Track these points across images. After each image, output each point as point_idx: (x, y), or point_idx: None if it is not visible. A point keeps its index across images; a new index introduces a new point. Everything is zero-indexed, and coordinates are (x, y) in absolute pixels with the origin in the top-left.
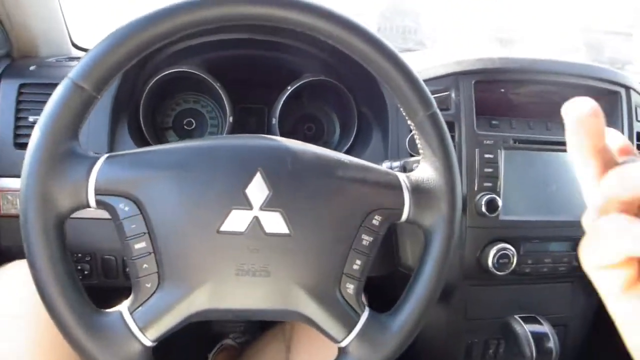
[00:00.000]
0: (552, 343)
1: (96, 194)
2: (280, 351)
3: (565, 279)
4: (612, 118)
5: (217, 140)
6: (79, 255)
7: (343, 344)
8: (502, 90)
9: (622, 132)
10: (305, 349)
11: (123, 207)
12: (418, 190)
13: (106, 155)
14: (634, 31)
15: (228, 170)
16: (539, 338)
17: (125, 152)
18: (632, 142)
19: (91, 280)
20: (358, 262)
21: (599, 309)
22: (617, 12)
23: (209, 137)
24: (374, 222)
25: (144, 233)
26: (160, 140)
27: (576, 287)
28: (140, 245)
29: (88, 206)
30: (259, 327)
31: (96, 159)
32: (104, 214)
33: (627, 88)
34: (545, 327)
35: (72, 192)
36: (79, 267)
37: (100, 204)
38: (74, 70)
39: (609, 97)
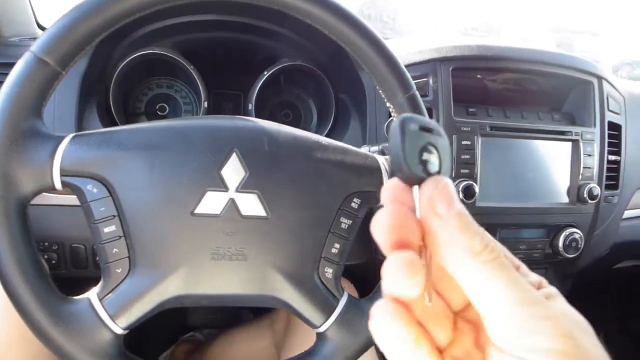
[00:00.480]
0: None
1: (62, 175)
2: (263, 339)
3: (539, 266)
4: (585, 107)
5: (191, 120)
6: (46, 244)
7: (321, 329)
8: (480, 76)
9: (595, 121)
10: (299, 340)
11: (91, 188)
12: None
13: (73, 134)
14: (599, 30)
15: (202, 150)
16: None
17: (94, 131)
18: (604, 131)
19: (59, 270)
20: (337, 245)
21: (570, 295)
22: (584, 12)
23: (182, 117)
24: (353, 205)
25: (114, 216)
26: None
27: (549, 274)
28: (109, 228)
29: (53, 188)
30: (239, 315)
31: (62, 138)
32: (71, 200)
33: (600, 78)
34: None
35: (35, 173)
36: (46, 257)
37: (66, 186)
38: (37, 44)
39: (582, 87)
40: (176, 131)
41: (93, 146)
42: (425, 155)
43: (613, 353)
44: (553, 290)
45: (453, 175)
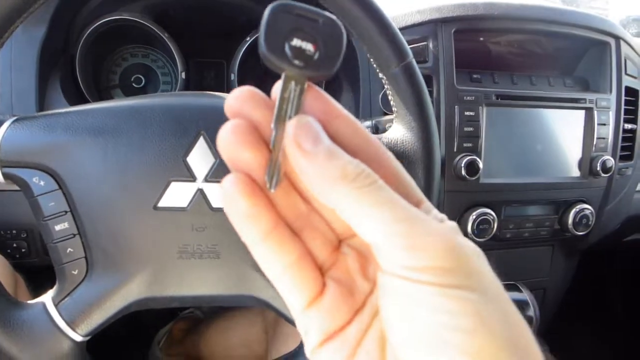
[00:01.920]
0: (532, 311)
1: (2, 166)
2: (255, 325)
3: (546, 243)
4: (600, 71)
5: (150, 98)
6: (14, 232)
7: None
8: (484, 38)
9: (611, 86)
10: (288, 329)
11: (37, 181)
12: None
13: (13, 118)
14: None
15: (164, 134)
16: (519, 307)
17: (38, 114)
18: (620, 98)
19: (30, 259)
20: None
21: (577, 271)
22: None
23: (141, 96)
24: None
25: (66, 212)
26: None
27: (556, 251)
28: (61, 226)
29: None
30: None
31: (0, 123)
32: None
33: (617, 38)
34: (525, 295)
35: None
36: (15, 245)
37: (8, 178)
38: None
39: (598, 48)
40: (133, 112)
41: (37, 131)
42: (297, 42)
43: (619, 324)
44: (452, 223)
45: (455, 150)
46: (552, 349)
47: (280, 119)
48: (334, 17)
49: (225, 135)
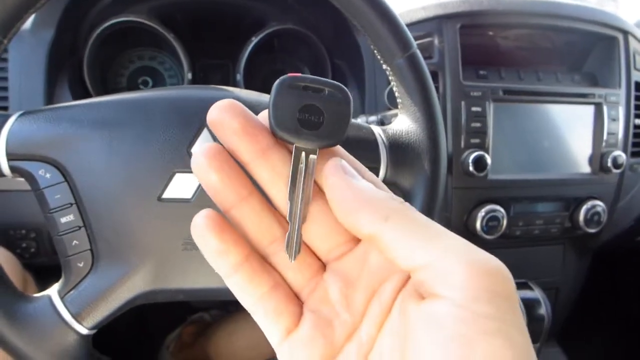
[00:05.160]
0: (543, 309)
1: (9, 159)
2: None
3: (557, 241)
4: (609, 66)
5: (155, 92)
6: (23, 231)
7: None
8: (490, 34)
9: (620, 81)
10: None
11: (43, 173)
12: (396, 145)
13: (20, 112)
14: None
15: (169, 126)
16: (531, 305)
17: (44, 107)
18: (630, 93)
19: (39, 258)
20: None
21: (590, 271)
22: None
23: (145, 89)
24: None
25: (71, 204)
26: None
27: (568, 249)
28: (67, 218)
29: (2, 175)
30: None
31: (7, 117)
32: None
33: (626, 33)
34: (536, 293)
35: None
36: (24, 245)
37: (15, 171)
38: None
39: (606, 43)
40: (137, 104)
41: (42, 124)
42: (304, 115)
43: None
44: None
45: (462, 146)
46: (565, 350)
47: (295, 190)
48: (338, 84)
49: (199, 158)
